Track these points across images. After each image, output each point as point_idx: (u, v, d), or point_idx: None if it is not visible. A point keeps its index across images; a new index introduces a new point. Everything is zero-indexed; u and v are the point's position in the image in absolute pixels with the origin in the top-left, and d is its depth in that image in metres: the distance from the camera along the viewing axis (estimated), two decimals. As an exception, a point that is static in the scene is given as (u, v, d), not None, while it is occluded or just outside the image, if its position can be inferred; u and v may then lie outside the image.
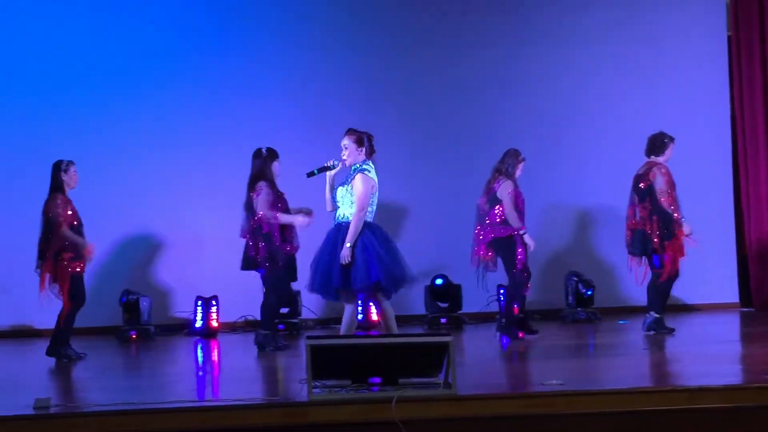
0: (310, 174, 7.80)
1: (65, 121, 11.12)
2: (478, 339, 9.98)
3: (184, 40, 11.37)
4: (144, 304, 10.78)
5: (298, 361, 7.83)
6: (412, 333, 9.17)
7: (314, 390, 6.29)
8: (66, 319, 8.84)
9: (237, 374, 8.31)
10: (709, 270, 11.31)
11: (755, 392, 6.31)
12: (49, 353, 8.84)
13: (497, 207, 9.29)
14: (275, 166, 9.13)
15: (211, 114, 11.32)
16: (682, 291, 10.35)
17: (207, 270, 11.09)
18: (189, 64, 11.34)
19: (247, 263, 9.12)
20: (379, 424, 6.08)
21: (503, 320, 9.41)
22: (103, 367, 8.95)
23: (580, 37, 11.69)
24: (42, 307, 8.92)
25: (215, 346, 10.12)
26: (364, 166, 7.62)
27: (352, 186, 7.57)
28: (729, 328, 10.61)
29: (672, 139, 9.53)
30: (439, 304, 11.07)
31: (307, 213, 8.93)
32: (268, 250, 8.97)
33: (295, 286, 9.97)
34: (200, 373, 8.63)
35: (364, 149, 7.64)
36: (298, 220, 8.97)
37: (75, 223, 8.94)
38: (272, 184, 9.07)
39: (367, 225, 7.59)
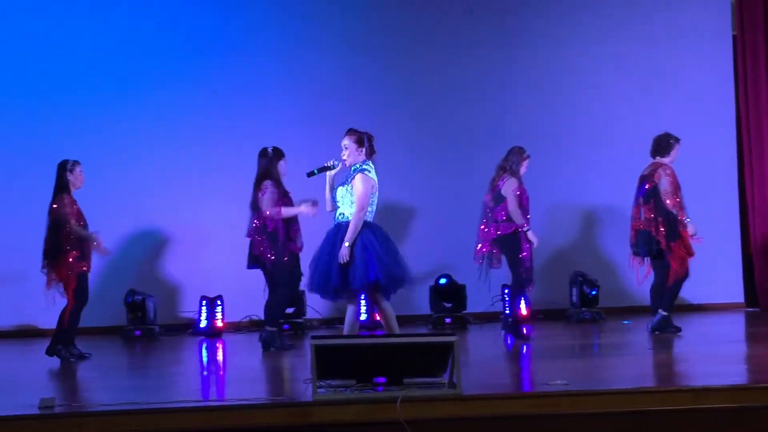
0: (310, 174, 7.80)
1: (68, 122, 11.14)
2: (483, 339, 9.98)
3: (188, 40, 11.39)
4: (149, 303, 10.80)
5: (303, 361, 7.84)
6: (416, 333, 9.17)
7: (319, 390, 6.29)
8: (70, 318, 8.84)
9: (242, 374, 8.32)
10: (714, 270, 11.30)
11: (761, 392, 6.29)
12: (49, 352, 8.84)
13: (502, 204, 9.28)
14: (281, 165, 9.15)
15: (214, 114, 11.34)
16: (687, 291, 10.33)
17: (212, 270, 11.10)
18: (192, 64, 11.35)
19: (253, 261, 9.14)
20: (384, 424, 6.08)
21: (509, 319, 9.39)
22: (108, 366, 8.96)
23: (584, 38, 11.69)
24: (47, 306, 8.93)
25: (220, 346, 10.12)
26: (364, 166, 7.62)
27: (352, 186, 7.57)
28: (734, 327, 10.60)
29: (677, 140, 9.52)
30: (444, 303, 11.07)
31: (312, 204, 8.89)
32: (273, 248, 8.98)
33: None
34: (205, 373, 8.63)
35: (364, 149, 7.64)
36: (301, 210, 8.97)
37: (81, 223, 8.95)
38: (278, 183, 9.08)
39: (367, 225, 7.59)
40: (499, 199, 9.30)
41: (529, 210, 9.35)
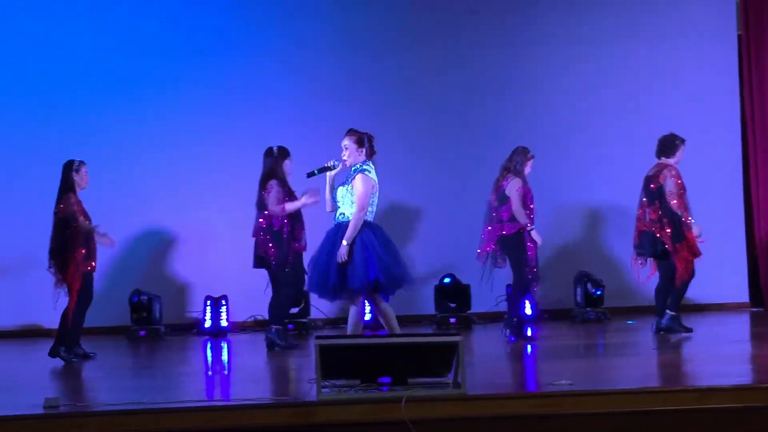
0: (311, 174, 7.81)
1: (73, 122, 11.15)
2: (488, 339, 9.97)
3: (191, 41, 11.39)
4: (153, 303, 10.81)
5: (308, 360, 7.84)
6: (421, 333, 9.16)
7: (323, 390, 6.29)
8: (74, 318, 8.84)
9: (246, 374, 8.32)
10: (719, 270, 11.27)
11: (765, 392, 6.28)
12: (51, 354, 8.84)
13: (506, 204, 9.27)
14: (286, 164, 9.15)
15: (218, 114, 11.34)
16: (692, 291, 10.29)
17: (217, 270, 11.11)
18: (195, 65, 11.35)
19: (259, 261, 9.14)
20: (389, 423, 6.08)
21: (513, 319, 9.38)
22: (113, 366, 8.97)
23: (588, 37, 11.67)
24: (55, 306, 8.92)
25: (224, 346, 10.13)
26: (364, 167, 7.61)
27: (352, 186, 7.56)
28: (739, 327, 10.58)
29: (683, 141, 9.49)
30: (449, 303, 11.07)
31: (311, 193, 8.86)
32: (278, 248, 8.98)
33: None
34: (209, 373, 8.64)
35: (364, 150, 7.63)
36: (303, 202, 8.96)
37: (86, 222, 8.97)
38: (283, 182, 9.09)
39: (367, 224, 7.58)
40: (504, 199, 9.29)
41: (533, 210, 9.34)
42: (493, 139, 11.22)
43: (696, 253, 9.34)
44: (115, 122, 11.18)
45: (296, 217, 9.15)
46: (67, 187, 8.93)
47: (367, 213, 7.59)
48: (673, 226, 9.29)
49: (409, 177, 11.38)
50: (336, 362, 6.36)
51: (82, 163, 9.01)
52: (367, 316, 10.58)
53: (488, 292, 9.97)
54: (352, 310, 7.65)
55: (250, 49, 11.42)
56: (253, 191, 9.25)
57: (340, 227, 7.60)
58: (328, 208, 7.74)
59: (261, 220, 9.10)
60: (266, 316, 9.43)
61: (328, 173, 7.69)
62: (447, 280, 11.08)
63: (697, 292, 10.99)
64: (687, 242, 9.29)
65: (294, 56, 11.44)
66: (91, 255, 8.89)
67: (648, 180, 9.47)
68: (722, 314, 11.27)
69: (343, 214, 7.60)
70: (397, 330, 7.63)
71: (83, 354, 8.92)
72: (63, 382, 8.17)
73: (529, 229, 9.22)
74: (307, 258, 8.61)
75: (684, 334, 9.27)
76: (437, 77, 11.54)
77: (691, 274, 9.38)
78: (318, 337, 6.48)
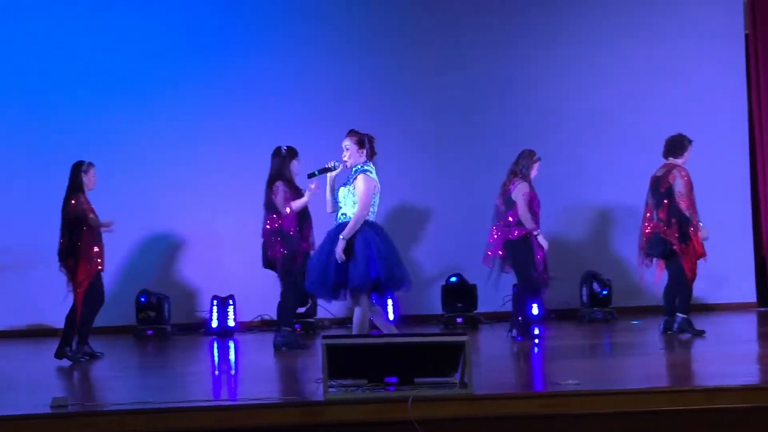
0: (311, 175, 7.81)
1: (81, 123, 11.17)
2: (494, 338, 9.97)
3: (198, 42, 11.41)
4: (161, 303, 10.83)
5: (315, 360, 7.84)
6: (428, 333, 9.16)
7: (330, 389, 6.29)
8: (84, 317, 8.86)
9: (253, 374, 8.33)
10: (726, 270, 11.27)
11: (773, 392, 6.28)
12: (57, 355, 8.83)
13: (513, 208, 9.25)
14: (294, 164, 9.14)
15: (225, 115, 11.36)
16: (700, 291, 10.31)
17: (224, 270, 11.12)
18: (203, 66, 11.37)
19: (268, 263, 9.15)
20: (395, 423, 6.08)
21: (518, 318, 9.37)
22: (120, 366, 8.98)
23: (594, 37, 11.67)
24: (62, 305, 8.95)
25: (231, 346, 10.14)
26: (365, 167, 7.60)
27: (354, 186, 7.55)
28: (747, 327, 10.57)
29: (690, 142, 9.45)
30: (456, 303, 11.06)
31: (312, 187, 8.86)
32: (286, 250, 8.98)
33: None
34: (216, 373, 8.65)
35: (365, 151, 7.62)
36: (307, 197, 8.94)
37: (94, 224, 9.00)
38: (290, 183, 9.08)
39: (369, 224, 7.56)
40: (510, 203, 9.27)
41: (539, 214, 9.33)
42: (500, 140, 11.22)
43: (701, 255, 9.31)
44: (121, 123, 11.20)
45: (304, 216, 9.16)
46: (75, 187, 8.95)
47: (369, 213, 7.58)
48: (680, 226, 9.26)
49: (416, 177, 11.39)
50: (343, 362, 6.37)
51: (90, 164, 9.03)
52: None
53: (495, 291, 9.95)
54: (356, 312, 7.62)
55: (259, 51, 11.43)
56: (259, 191, 9.25)
57: (341, 228, 7.58)
58: (329, 209, 7.73)
59: (269, 222, 9.10)
60: (273, 316, 9.43)
61: (328, 174, 7.69)
62: (454, 279, 11.08)
63: (704, 291, 11.00)
64: (693, 243, 9.26)
65: (305, 57, 11.43)
66: (100, 254, 8.92)
67: (656, 180, 9.44)
68: (730, 314, 11.25)
69: (345, 214, 7.58)
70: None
71: (91, 353, 8.94)
72: (71, 382, 8.19)
73: (535, 234, 9.21)
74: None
75: (701, 336, 9.21)
76: (442, 77, 11.54)
77: (694, 276, 9.35)
78: (325, 337, 6.48)
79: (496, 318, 10.91)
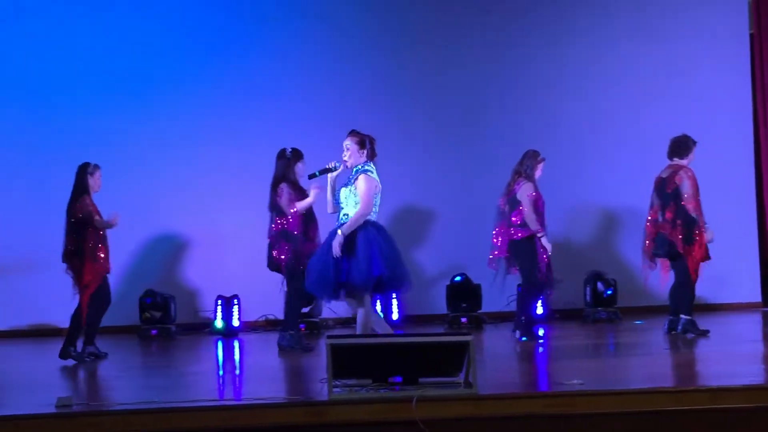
0: (312, 176, 7.82)
1: (87, 125, 11.19)
2: (499, 338, 9.97)
3: (203, 43, 11.42)
4: (167, 303, 10.84)
5: (319, 360, 7.85)
6: (432, 332, 9.16)
7: (334, 389, 6.30)
8: (91, 318, 8.87)
9: (257, 373, 8.34)
10: (731, 270, 11.26)
11: (778, 392, 6.28)
12: (62, 355, 8.84)
13: (517, 209, 9.24)
14: (299, 166, 9.13)
15: (232, 115, 11.37)
16: (704, 291, 10.30)
17: (228, 270, 11.13)
18: (208, 67, 11.38)
19: (273, 265, 9.15)
20: (400, 423, 6.08)
21: (522, 319, 9.37)
22: (125, 365, 8.99)
23: (598, 38, 11.66)
24: (65, 305, 8.97)
25: (236, 345, 10.15)
26: (366, 167, 7.60)
27: (355, 186, 7.55)
28: (751, 327, 10.55)
29: (695, 143, 9.44)
30: (460, 303, 11.06)
31: (315, 188, 8.87)
32: (291, 252, 8.97)
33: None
34: (221, 372, 8.65)
35: (365, 151, 7.62)
36: (313, 197, 8.94)
37: (100, 226, 9.01)
38: (294, 185, 9.08)
39: (372, 223, 7.56)
40: (514, 203, 9.26)
41: (544, 215, 9.31)
42: (501, 140, 11.23)
43: (705, 257, 9.29)
44: (123, 123, 11.22)
45: (310, 217, 9.16)
46: (81, 189, 8.96)
47: (371, 213, 7.56)
48: (685, 228, 9.23)
49: (421, 177, 11.40)
50: (347, 362, 6.37)
51: (96, 166, 9.05)
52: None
53: (499, 291, 9.95)
54: (360, 312, 7.61)
55: (264, 51, 11.44)
56: (263, 192, 9.25)
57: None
58: (330, 210, 7.72)
59: (275, 224, 9.10)
60: (277, 316, 9.44)
61: (329, 175, 7.69)
62: (458, 278, 11.09)
63: (709, 291, 10.99)
64: (698, 245, 9.22)
65: (310, 58, 11.44)
66: (107, 256, 8.93)
67: (662, 182, 9.40)
68: (734, 314, 11.24)
69: (347, 215, 7.56)
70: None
71: (96, 353, 8.95)
72: (75, 381, 8.20)
73: (540, 235, 9.19)
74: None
75: (706, 336, 9.20)
76: (444, 77, 11.53)
77: (697, 277, 9.33)
78: (329, 337, 6.49)
79: (500, 318, 10.90)
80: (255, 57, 11.43)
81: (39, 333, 10.98)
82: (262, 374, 8.15)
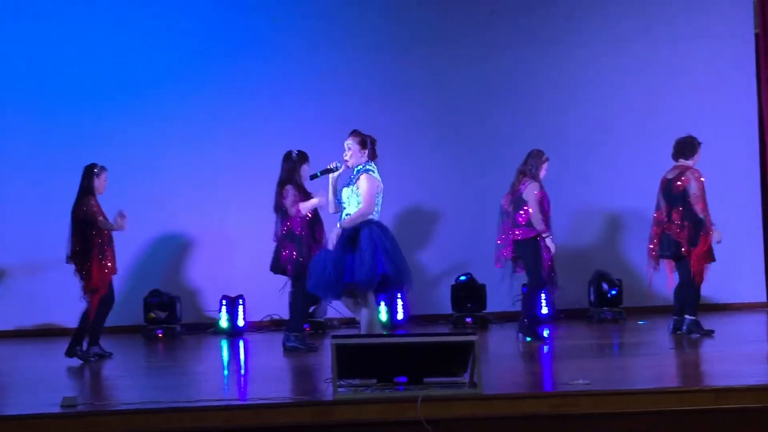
0: (313, 176, 7.84)
1: (93, 126, 11.19)
2: (503, 338, 9.96)
3: (211, 44, 11.40)
4: (173, 303, 10.85)
5: (324, 360, 7.85)
6: (437, 332, 9.16)
7: (340, 389, 6.30)
8: (96, 318, 8.88)
9: (262, 373, 8.34)
10: (736, 270, 11.25)
11: (783, 392, 6.27)
12: (68, 354, 8.86)
13: (522, 209, 9.23)
14: (304, 168, 9.13)
15: (238, 116, 11.36)
16: (709, 290, 10.29)
17: (234, 270, 11.14)
18: (216, 68, 11.36)
19: (278, 267, 9.14)
20: (405, 423, 6.09)
21: (525, 320, 9.36)
22: (130, 365, 9.00)
23: (605, 38, 11.64)
24: (74, 306, 8.97)
25: (241, 346, 10.15)
26: (368, 167, 7.60)
27: (357, 186, 7.55)
28: (756, 327, 10.54)
29: (700, 143, 9.41)
30: (465, 303, 11.06)
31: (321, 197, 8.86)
32: (297, 254, 8.97)
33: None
34: (226, 372, 8.66)
35: (367, 152, 7.62)
36: (318, 199, 8.95)
37: (105, 228, 9.02)
38: (299, 187, 9.07)
39: (375, 222, 7.56)
40: (519, 203, 9.24)
41: (550, 215, 9.30)
42: (506, 140, 11.22)
43: (711, 258, 9.27)
44: (129, 124, 11.20)
45: (315, 218, 9.16)
46: (87, 190, 8.97)
47: (374, 213, 7.56)
48: (691, 229, 9.20)
49: (425, 177, 11.39)
50: (352, 362, 6.37)
51: (103, 168, 9.06)
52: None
53: (505, 291, 9.95)
54: (363, 312, 7.61)
55: (272, 52, 11.41)
56: (269, 193, 9.25)
57: (344, 228, 7.57)
58: (332, 210, 7.73)
59: (282, 225, 9.10)
60: (282, 316, 9.43)
61: (330, 175, 7.69)
62: (463, 278, 11.09)
63: (714, 292, 10.98)
64: (703, 246, 9.20)
65: (317, 58, 11.42)
66: (112, 258, 8.95)
67: (669, 182, 9.37)
68: (740, 314, 11.23)
69: (349, 215, 7.58)
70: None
71: (100, 353, 8.96)
72: (81, 381, 8.21)
73: (545, 236, 9.18)
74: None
75: (711, 336, 9.19)
76: (454, 77, 11.53)
77: (702, 278, 9.31)
78: (334, 337, 6.49)
79: (505, 318, 10.89)
80: (261, 58, 11.42)
81: (44, 333, 10.99)
82: (267, 374, 8.16)
